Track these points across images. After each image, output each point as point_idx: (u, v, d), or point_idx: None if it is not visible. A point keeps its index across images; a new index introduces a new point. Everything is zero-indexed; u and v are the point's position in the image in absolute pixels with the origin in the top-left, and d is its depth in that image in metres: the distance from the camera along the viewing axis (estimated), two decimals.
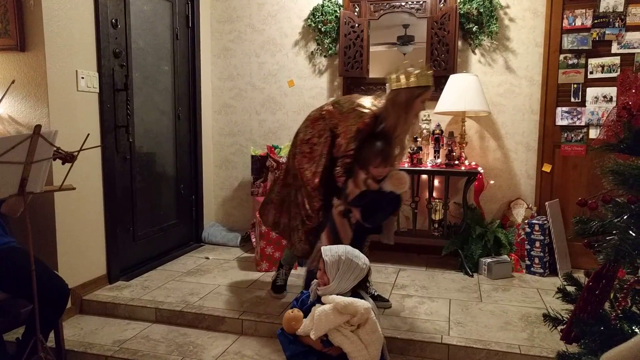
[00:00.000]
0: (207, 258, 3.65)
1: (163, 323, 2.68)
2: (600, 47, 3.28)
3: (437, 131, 3.38)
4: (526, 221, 3.35)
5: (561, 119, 3.38)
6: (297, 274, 3.07)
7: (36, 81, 2.57)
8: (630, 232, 0.99)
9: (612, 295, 1.19)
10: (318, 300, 2.07)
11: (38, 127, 1.75)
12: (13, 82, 2.50)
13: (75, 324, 2.67)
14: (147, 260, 3.44)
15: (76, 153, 1.99)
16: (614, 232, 1.02)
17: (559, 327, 1.27)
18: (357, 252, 2.09)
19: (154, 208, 3.54)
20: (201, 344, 2.47)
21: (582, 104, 3.33)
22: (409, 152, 3.40)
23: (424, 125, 3.47)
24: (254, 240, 3.63)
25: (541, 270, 3.27)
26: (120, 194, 3.15)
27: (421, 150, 3.39)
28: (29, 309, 2.11)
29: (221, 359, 2.32)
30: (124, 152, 3.16)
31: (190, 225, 4.01)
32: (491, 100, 3.50)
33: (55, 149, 1.93)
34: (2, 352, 2.03)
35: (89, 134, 1.95)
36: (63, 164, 2.04)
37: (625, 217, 1.02)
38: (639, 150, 1.10)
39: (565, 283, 1.43)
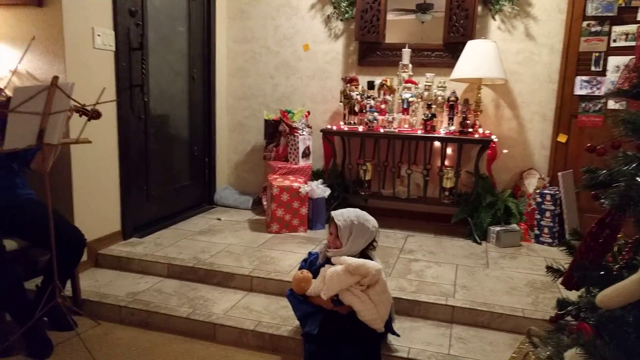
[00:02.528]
0: (219, 219, 3.71)
1: (175, 278, 2.76)
2: (626, 14, 3.17)
3: (452, 98, 3.34)
4: (538, 191, 3.33)
5: (580, 88, 3.31)
6: None
7: (53, 37, 2.59)
8: (638, 178, 0.99)
9: (616, 249, 1.20)
10: (327, 262, 2.12)
11: (55, 79, 1.78)
12: (33, 38, 2.52)
13: (90, 276, 2.77)
14: (160, 219, 3.51)
15: (93, 106, 2.02)
16: (621, 179, 1.02)
17: (560, 279, 1.29)
18: (367, 215, 2.13)
19: (167, 169, 3.60)
20: (211, 298, 2.54)
21: (603, 73, 3.25)
22: (423, 119, 3.38)
23: (438, 92, 3.43)
24: (265, 203, 3.67)
25: (550, 240, 3.27)
26: (135, 153, 3.20)
27: (435, 117, 3.36)
28: (47, 257, 2.19)
29: (230, 312, 2.39)
30: (138, 112, 3.19)
31: (203, 187, 4.06)
32: (509, 68, 3.43)
33: (74, 101, 1.96)
34: (23, 298, 2.11)
35: (104, 88, 1.98)
36: (89, 120, 2.07)
37: (634, 165, 1.01)
38: None
39: (571, 238, 1.44)
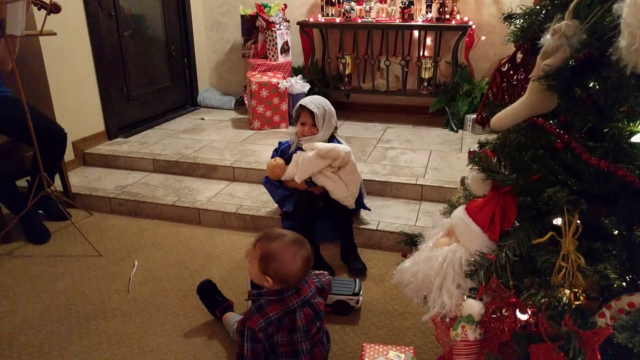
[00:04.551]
0: (203, 119, 3.77)
1: (160, 172, 2.89)
2: None
3: None
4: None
5: None
6: None
7: None
8: (541, 15, 1.03)
9: None
10: (299, 149, 2.21)
11: None
12: None
13: (80, 173, 2.89)
14: (143, 120, 3.57)
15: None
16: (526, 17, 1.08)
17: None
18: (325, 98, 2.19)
19: (146, 70, 3.58)
20: (196, 188, 2.69)
21: None
22: (400, 7, 3.31)
23: None
24: (247, 102, 3.70)
25: None
26: (110, 53, 3.17)
27: (413, 5, 3.29)
28: (33, 153, 2.28)
29: (214, 199, 2.55)
30: (108, 8, 3.11)
31: (185, 88, 4.06)
32: None
33: None
34: (13, 189, 2.24)
35: None
36: (48, 14, 2.03)
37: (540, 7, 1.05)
38: None
39: None
